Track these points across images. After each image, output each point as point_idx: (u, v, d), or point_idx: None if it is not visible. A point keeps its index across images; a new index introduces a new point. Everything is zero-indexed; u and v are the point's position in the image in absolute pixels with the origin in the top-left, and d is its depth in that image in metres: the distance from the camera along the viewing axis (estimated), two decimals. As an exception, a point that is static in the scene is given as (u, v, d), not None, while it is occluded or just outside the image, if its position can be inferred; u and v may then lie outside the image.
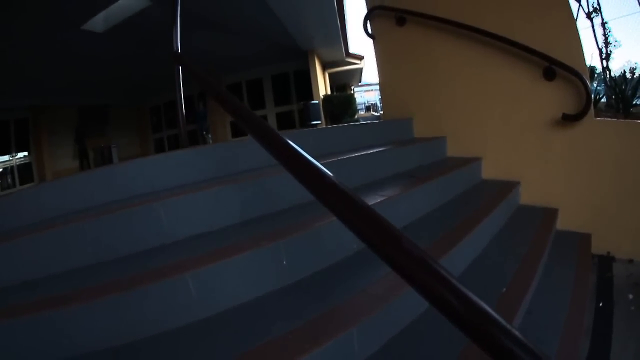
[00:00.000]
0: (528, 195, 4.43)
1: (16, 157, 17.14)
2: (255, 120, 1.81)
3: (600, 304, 3.34)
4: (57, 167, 17.61)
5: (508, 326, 0.94)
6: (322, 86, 21.41)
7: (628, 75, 10.26)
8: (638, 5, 10.13)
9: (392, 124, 5.42)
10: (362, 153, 3.75)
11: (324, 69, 23.60)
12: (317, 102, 18.15)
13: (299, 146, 1.56)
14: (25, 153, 17.53)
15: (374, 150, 3.98)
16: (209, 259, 1.94)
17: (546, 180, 4.43)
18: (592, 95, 5.23)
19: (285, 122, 21.09)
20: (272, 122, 21.14)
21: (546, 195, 4.40)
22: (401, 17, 5.42)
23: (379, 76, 6.06)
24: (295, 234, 2.18)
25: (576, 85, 4.15)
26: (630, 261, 4.07)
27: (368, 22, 5.96)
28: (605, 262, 4.06)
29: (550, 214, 4.12)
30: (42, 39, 11.47)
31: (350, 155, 3.56)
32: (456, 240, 2.65)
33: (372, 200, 2.88)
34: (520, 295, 2.33)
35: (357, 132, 4.85)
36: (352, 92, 27.86)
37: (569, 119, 4.19)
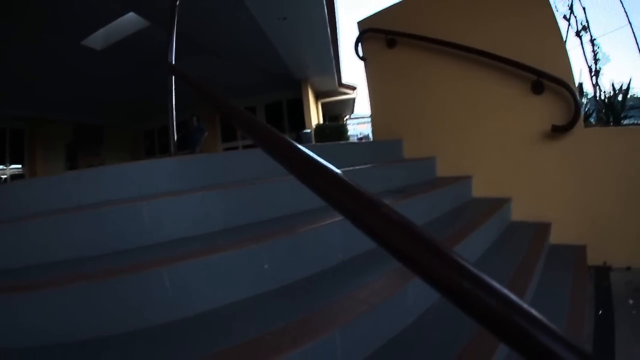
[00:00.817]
0: (520, 211, 4.43)
1: (10, 167, 17.14)
2: (258, 123, 1.78)
3: (600, 312, 3.31)
4: None
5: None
6: (315, 116, 21.61)
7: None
8: (626, 19, 10.18)
9: (382, 145, 5.43)
10: (351, 168, 3.76)
11: (317, 98, 23.86)
12: (309, 131, 18.29)
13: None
14: (19, 165, 17.50)
15: (363, 167, 3.99)
16: (187, 256, 1.91)
17: (537, 195, 4.44)
18: (583, 111, 5.28)
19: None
20: (264, 150, 21.75)
21: (538, 210, 4.40)
22: (391, 39, 5.54)
23: (370, 98, 6.15)
24: (278, 238, 2.15)
25: (565, 97, 4.20)
26: (628, 268, 4.08)
27: (359, 44, 6.06)
28: (602, 272, 4.06)
29: (543, 228, 4.10)
30: (41, 50, 11.62)
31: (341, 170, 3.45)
32: None
33: None
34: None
35: (348, 150, 4.88)
36: (344, 123, 28.03)
37: (558, 131, 4.22)
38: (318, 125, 19.19)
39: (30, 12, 9.37)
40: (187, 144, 13.00)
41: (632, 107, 8.48)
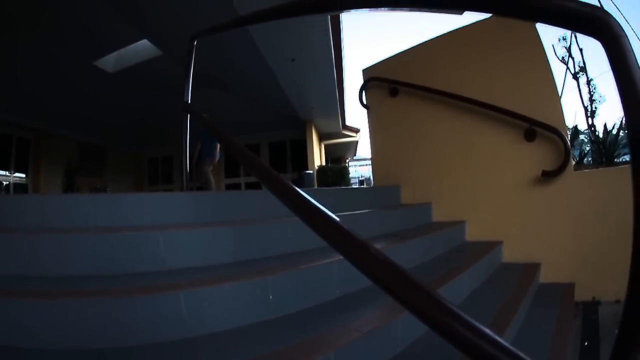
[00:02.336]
0: (511, 253, 4.54)
1: (13, 174, 17.18)
2: (269, 171, 2.00)
3: (586, 343, 3.41)
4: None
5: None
6: (318, 157, 21.72)
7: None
8: None
9: (380, 190, 5.62)
10: (349, 213, 3.89)
11: (320, 139, 24.00)
12: (311, 172, 18.46)
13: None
14: (23, 175, 17.56)
15: (361, 212, 4.16)
16: (201, 283, 2.09)
17: (528, 237, 4.55)
18: (579, 152, 5.44)
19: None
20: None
21: (528, 251, 4.50)
22: (394, 88, 5.75)
23: (371, 145, 6.35)
24: (282, 272, 2.34)
25: (556, 142, 4.40)
26: (617, 302, 4.12)
27: (364, 92, 6.28)
28: (591, 307, 4.14)
29: (532, 268, 4.22)
30: (51, 64, 11.80)
31: (338, 214, 3.60)
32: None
33: None
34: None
35: (349, 195, 5.00)
36: (346, 165, 28.09)
37: (548, 175, 4.40)
38: (320, 167, 19.38)
39: (43, 26, 9.67)
40: (199, 159, 10.73)
41: (626, 145, 8.67)
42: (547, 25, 1.23)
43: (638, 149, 1.09)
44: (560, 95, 4.83)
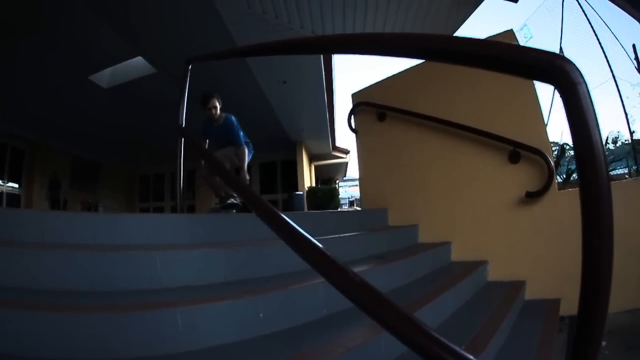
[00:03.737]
0: (496, 272, 4.64)
1: (7, 184, 17.02)
2: (258, 198, 2.15)
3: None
4: (42, 208, 17.40)
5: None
6: (308, 178, 21.77)
7: (611, 145, 10.71)
8: (610, 73, 10.50)
9: (368, 213, 5.76)
10: (336, 236, 3.98)
11: (310, 161, 24.08)
12: (301, 193, 18.61)
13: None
14: (17, 185, 17.43)
15: (349, 234, 4.26)
16: (196, 301, 2.21)
17: (512, 256, 4.65)
18: (565, 169, 5.59)
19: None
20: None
21: (513, 269, 4.59)
22: (382, 113, 5.91)
23: (359, 168, 6.53)
24: (272, 292, 2.49)
25: (540, 163, 4.51)
26: None
27: (352, 117, 6.44)
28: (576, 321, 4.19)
29: (516, 285, 4.30)
30: (46, 75, 11.78)
31: (326, 237, 3.72)
32: (416, 308, 2.80)
33: None
34: (477, 353, 2.50)
35: (336, 218, 5.22)
36: (336, 186, 28.17)
37: (532, 196, 4.52)
38: (310, 188, 19.48)
39: (41, 37, 9.74)
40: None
41: (613, 160, 8.86)
42: (505, 74, 1.33)
43: (586, 198, 1.21)
44: (548, 115, 4.97)
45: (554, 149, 10.47)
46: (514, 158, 4.72)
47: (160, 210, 23.54)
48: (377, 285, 3.11)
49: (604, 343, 3.83)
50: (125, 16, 9.23)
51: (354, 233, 4.43)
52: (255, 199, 2.24)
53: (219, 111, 7.15)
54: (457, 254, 4.94)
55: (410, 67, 5.80)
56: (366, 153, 6.50)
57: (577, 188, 3.73)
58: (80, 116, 14.95)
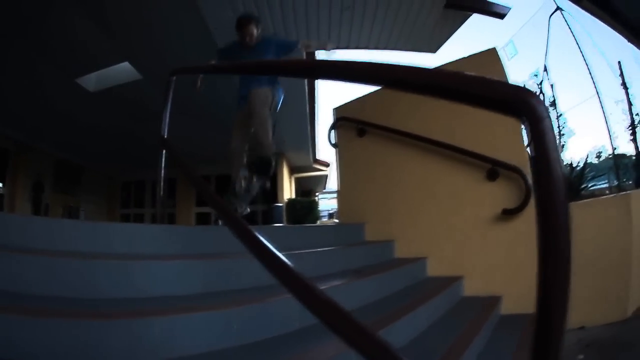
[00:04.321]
0: (472, 288, 4.70)
1: None
2: (229, 213, 2.24)
3: None
4: (24, 209, 17.28)
5: None
6: (288, 190, 21.77)
7: (595, 159, 10.88)
8: (594, 89, 10.69)
9: (345, 228, 5.85)
10: (313, 250, 4.04)
11: (291, 173, 24.05)
12: (281, 205, 18.75)
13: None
14: (0, 184, 17.13)
15: (324, 249, 4.27)
16: (174, 311, 2.29)
17: (489, 272, 4.73)
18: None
19: (250, 221, 21.05)
20: (236, 219, 21.37)
21: (489, 285, 4.66)
22: (362, 129, 6.00)
23: (338, 183, 6.61)
24: (246, 305, 2.55)
25: (518, 180, 4.62)
26: (582, 328, 4.46)
27: (333, 132, 6.56)
28: None
29: (492, 300, 4.36)
30: (37, 77, 11.71)
31: (303, 251, 3.83)
32: (388, 323, 2.86)
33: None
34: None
35: (313, 232, 5.33)
36: (316, 198, 28.23)
37: (509, 213, 4.63)
38: (290, 200, 19.48)
39: (29, 36, 9.68)
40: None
41: (595, 176, 9.01)
42: (471, 106, 1.38)
43: (543, 238, 1.26)
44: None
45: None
46: (492, 175, 4.83)
47: (140, 217, 23.41)
48: (352, 299, 3.26)
49: (581, 357, 3.92)
50: (113, 19, 9.30)
51: (330, 248, 4.44)
52: (226, 213, 2.39)
53: (254, 39, 5.59)
54: (433, 270, 4.99)
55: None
56: (345, 168, 6.58)
57: None
58: (65, 118, 14.81)
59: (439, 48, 12.96)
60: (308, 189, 30.23)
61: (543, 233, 1.26)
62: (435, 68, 1.65)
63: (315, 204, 20.99)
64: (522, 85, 1.25)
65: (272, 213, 18.12)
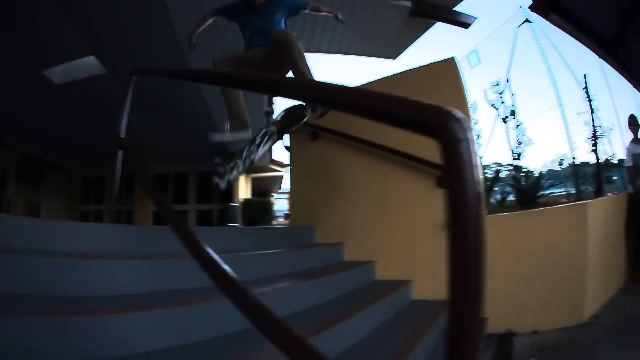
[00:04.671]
0: (421, 291, 4.79)
1: None
2: (173, 214, 2.42)
3: None
4: None
5: None
6: (245, 190, 21.84)
7: (558, 166, 11.19)
8: (557, 101, 10.98)
9: (295, 230, 6.00)
10: (262, 252, 4.08)
11: (248, 173, 24.02)
12: (237, 205, 18.87)
13: (208, 241, 2.13)
14: None
15: (272, 251, 4.32)
16: (127, 309, 2.40)
17: (438, 277, 4.48)
18: (500, 194, 5.94)
19: (206, 220, 21.09)
20: (192, 219, 21.29)
21: (438, 289, 4.37)
22: (315, 133, 6.07)
23: (290, 185, 6.79)
24: (194, 305, 2.66)
25: None
26: (535, 332, 4.70)
27: (287, 135, 6.44)
28: (506, 338, 4.59)
29: (441, 304, 4.24)
30: (2, 66, 11.35)
31: (252, 253, 3.92)
32: (331, 326, 2.94)
33: (261, 290, 3.16)
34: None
35: (263, 234, 5.44)
36: (271, 199, 28.27)
37: None
38: (246, 200, 19.53)
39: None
40: None
41: (552, 185, 9.32)
42: (394, 127, 1.45)
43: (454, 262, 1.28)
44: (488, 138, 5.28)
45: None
46: (442, 183, 4.87)
47: (99, 214, 23.14)
48: (297, 302, 3.41)
49: None
50: (83, 14, 9.27)
51: (279, 250, 4.50)
52: (168, 212, 2.57)
53: None
54: (382, 273, 5.09)
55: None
56: (297, 171, 6.76)
57: (505, 214, 4.04)
58: (30, 111, 14.38)
59: (400, 55, 13.11)
60: (265, 189, 30.20)
61: (454, 252, 1.29)
62: (360, 88, 1.64)
63: (270, 205, 21.23)
64: (443, 107, 1.27)
65: (228, 213, 18.20)
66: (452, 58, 5.55)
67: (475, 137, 1.29)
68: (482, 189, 1.19)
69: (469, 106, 5.65)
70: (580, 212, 5.40)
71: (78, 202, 24.23)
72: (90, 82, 12.47)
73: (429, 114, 1.33)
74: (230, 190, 20.25)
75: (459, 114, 1.26)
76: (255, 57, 4.77)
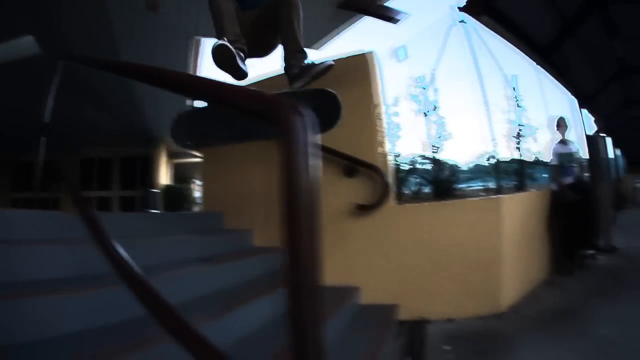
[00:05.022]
0: (331, 279, 4.50)
1: None
2: (81, 201, 2.74)
3: (409, 358, 4.04)
4: None
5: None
6: (165, 176, 21.89)
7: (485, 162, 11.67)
8: (483, 99, 11.45)
9: (204, 215, 6.36)
10: (170, 237, 4.27)
11: (170, 158, 23.80)
12: (157, 191, 18.97)
13: (116, 227, 2.38)
14: None
15: (181, 236, 4.52)
16: (55, 292, 2.56)
17: (347, 264, 5.07)
18: (415, 185, 6.36)
19: (129, 207, 20.91)
20: (115, 205, 21.15)
21: (347, 276, 4.94)
22: (225, 125, 6.08)
23: (202, 172, 7.14)
24: (109, 288, 2.74)
25: (377, 179, 5.10)
26: (450, 320, 4.87)
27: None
28: (418, 325, 4.71)
29: (351, 291, 4.67)
30: None
31: (160, 238, 4.11)
32: (231, 310, 3.14)
33: (161, 276, 3.24)
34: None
35: (170, 219, 5.81)
36: (189, 186, 28.15)
37: (364, 209, 5.09)
38: (166, 186, 19.81)
39: None
40: None
41: (471, 179, 9.74)
42: (243, 114, 1.62)
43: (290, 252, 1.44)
44: (398, 133, 5.68)
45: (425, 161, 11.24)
46: (349, 173, 5.32)
47: (29, 201, 22.55)
48: (200, 286, 3.60)
49: (447, 347, 4.22)
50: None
51: (187, 235, 4.66)
52: (78, 202, 2.83)
53: None
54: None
55: (255, 82, 5.93)
56: (208, 158, 7.04)
57: (414, 204, 4.43)
58: None
59: (323, 46, 13.29)
60: (185, 175, 29.99)
61: (288, 236, 1.48)
62: (214, 81, 2.00)
63: (189, 191, 21.22)
64: (281, 99, 1.51)
65: (148, 199, 18.22)
66: (371, 52, 5.76)
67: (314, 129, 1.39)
68: (317, 175, 1.53)
69: (381, 98, 5.94)
70: (494, 204, 5.63)
71: (7, 189, 23.54)
72: (26, 62, 12.11)
73: (267, 104, 1.50)
74: (150, 176, 20.45)
75: (296, 105, 1.41)
76: (247, 22, 4.09)
